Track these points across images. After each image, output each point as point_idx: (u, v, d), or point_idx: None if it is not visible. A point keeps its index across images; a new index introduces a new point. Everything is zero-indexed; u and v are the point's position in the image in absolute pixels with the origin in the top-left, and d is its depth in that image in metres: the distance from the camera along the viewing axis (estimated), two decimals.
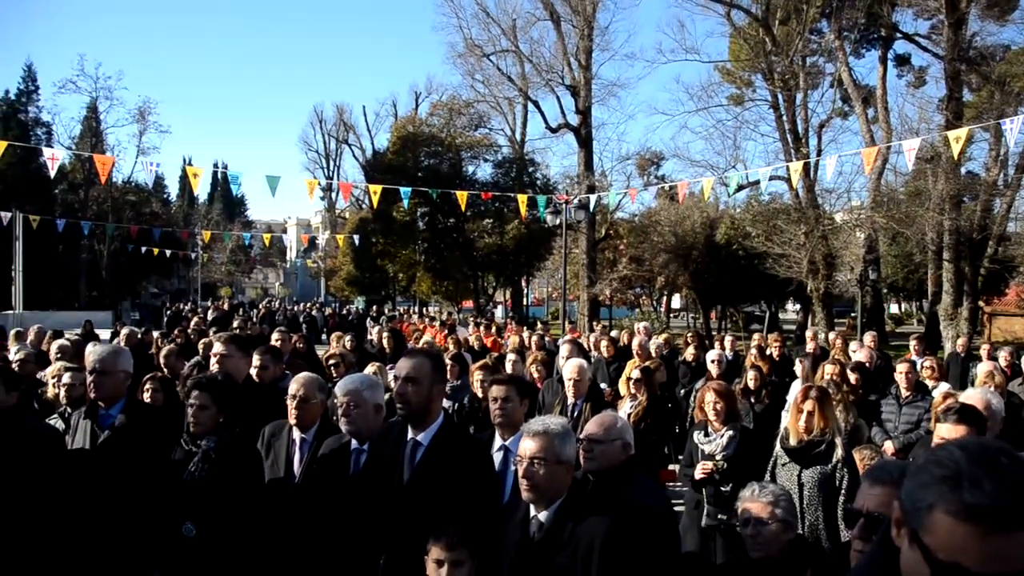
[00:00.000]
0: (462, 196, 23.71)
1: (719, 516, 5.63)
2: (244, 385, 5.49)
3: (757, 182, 22.96)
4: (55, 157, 20.03)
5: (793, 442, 5.24)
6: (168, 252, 46.44)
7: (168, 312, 34.91)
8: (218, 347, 5.71)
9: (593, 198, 25.86)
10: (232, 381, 4.80)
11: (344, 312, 39.97)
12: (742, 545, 3.64)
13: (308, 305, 42.85)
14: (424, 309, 45.97)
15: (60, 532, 4.28)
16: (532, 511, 3.31)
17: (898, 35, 31.10)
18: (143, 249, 43.16)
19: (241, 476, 4.28)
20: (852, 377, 8.20)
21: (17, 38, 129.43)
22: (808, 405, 5.21)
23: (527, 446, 3.30)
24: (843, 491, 4.95)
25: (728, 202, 34.59)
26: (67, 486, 4.36)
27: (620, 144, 66.74)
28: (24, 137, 41.06)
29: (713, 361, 9.73)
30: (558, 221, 25.21)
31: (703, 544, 5.73)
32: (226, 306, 34.02)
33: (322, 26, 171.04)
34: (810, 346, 12.33)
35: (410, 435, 3.76)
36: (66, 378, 5.50)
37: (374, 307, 41.46)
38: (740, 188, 27.33)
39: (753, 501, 3.50)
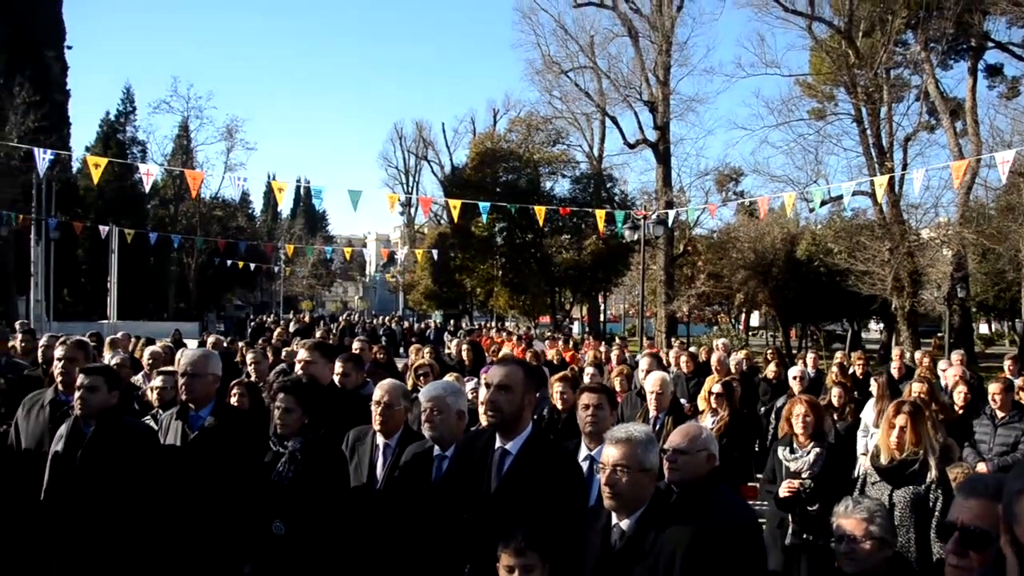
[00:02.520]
0: (540, 211, 23.75)
1: (804, 536, 5.48)
2: (328, 390, 5.60)
3: (840, 197, 22.41)
4: (150, 173, 20.94)
5: (884, 460, 5.02)
6: (252, 265, 47.65)
7: (252, 324, 35.80)
8: (303, 353, 5.84)
9: (672, 213, 25.65)
10: (316, 384, 4.94)
11: (422, 326, 40.41)
12: (828, 565, 3.55)
13: (387, 319, 43.42)
14: (501, 324, 46.13)
15: (153, 523, 4.45)
16: (614, 519, 3.28)
17: (990, 44, 30.07)
18: (228, 262, 44.51)
19: (327, 476, 4.39)
20: (959, 394, 7.91)
21: (119, 63, 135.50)
22: (900, 420, 4.97)
23: (610, 453, 3.28)
24: (937, 512, 4.74)
25: (809, 218, 33.94)
26: (160, 480, 4.53)
27: (699, 160, 66.08)
28: (122, 155, 42.85)
29: (795, 377, 9.52)
30: (636, 236, 25.13)
31: (787, 564, 5.59)
32: (307, 319, 34.72)
33: (402, 45, 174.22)
34: (895, 364, 11.93)
35: (498, 444, 3.70)
36: (157, 381, 5.71)
37: (451, 321, 41.79)
38: (823, 203, 26.74)
39: (847, 517, 3.38)
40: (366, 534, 4.47)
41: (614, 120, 37.77)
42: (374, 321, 41.18)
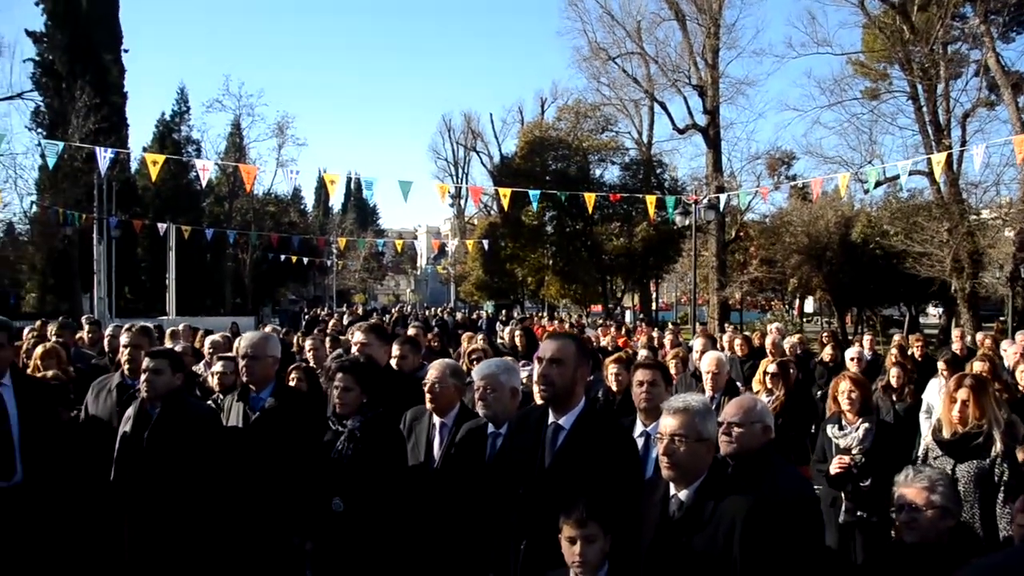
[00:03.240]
0: (590, 198, 23.65)
1: (858, 513, 5.43)
2: (384, 372, 5.67)
3: (896, 177, 21.85)
4: (205, 168, 21.36)
5: (946, 434, 4.94)
6: (305, 260, 48.29)
7: (306, 317, 36.30)
8: (359, 336, 5.93)
9: (723, 198, 25.36)
10: (374, 364, 5.00)
11: (474, 316, 40.52)
12: (884, 541, 3.51)
13: (439, 310, 43.64)
14: (553, 313, 46.11)
15: (217, 500, 4.57)
16: (672, 490, 3.28)
17: None
18: (282, 257, 45.16)
19: (385, 454, 4.46)
20: (1022, 373, 7.72)
21: (174, 64, 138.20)
22: (962, 394, 4.88)
23: (667, 423, 3.27)
24: (1003, 487, 4.66)
25: (864, 200, 33.15)
26: (223, 459, 4.66)
27: (749, 143, 64.85)
28: (177, 154, 43.71)
29: (853, 359, 9.43)
30: (687, 222, 24.93)
31: (842, 542, 5.55)
32: (360, 311, 35.06)
33: (447, 36, 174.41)
34: (957, 345, 11.69)
35: (551, 419, 3.67)
36: (218, 366, 5.85)
37: (503, 311, 41.87)
38: (878, 184, 26.09)
39: (908, 486, 3.33)
40: (424, 512, 4.53)
41: (663, 105, 37.45)
42: (427, 312, 41.41)
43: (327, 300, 60.22)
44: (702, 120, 35.08)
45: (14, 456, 4.65)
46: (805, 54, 30.36)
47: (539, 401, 3.82)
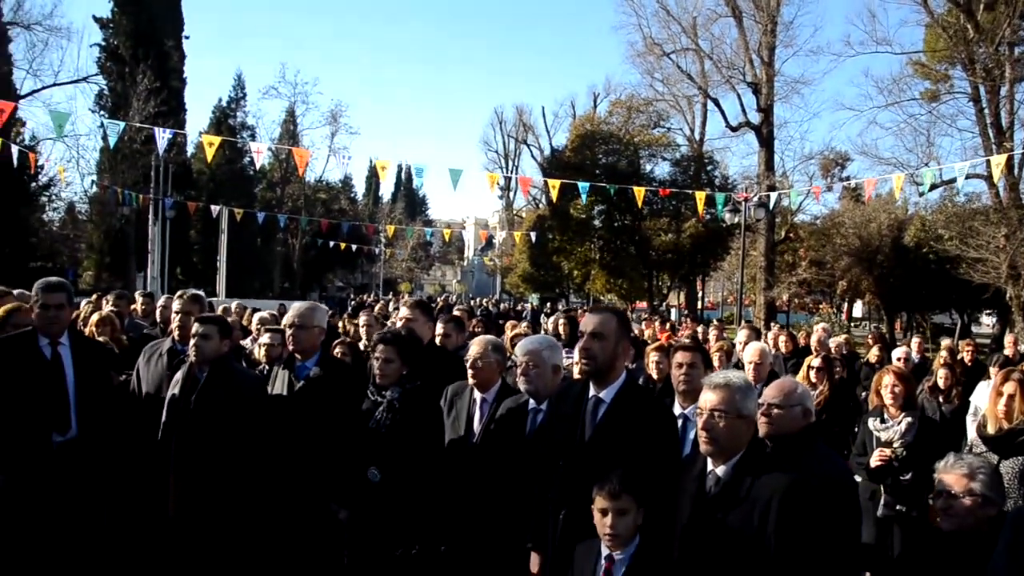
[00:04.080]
0: (639, 192, 23.53)
1: (897, 507, 5.37)
2: (428, 347, 5.75)
3: (953, 180, 21.44)
4: (260, 151, 21.77)
5: (991, 430, 4.85)
6: (354, 247, 48.74)
7: (352, 303, 36.68)
8: (404, 311, 6.03)
9: (774, 197, 25.05)
10: (416, 337, 5.06)
11: (519, 308, 40.61)
12: (922, 536, 3.46)
13: (484, 300, 43.81)
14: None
15: (259, 464, 4.68)
16: (710, 465, 3.28)
17: None
18: (331, 244, 45.70)
19: (422, 426, 4.51)
20: None
21: (232, 51, 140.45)
22: (1009, 388, 4.79)
23: (708, 398, 3.27)
24: None
25: (919, 203, 32.47)
26: (267, 424, 4.78)
27: (802, 143, 64.17)
28: (232, 139, 44.48)
29: (899, 359, 9.29)
30: (736, 220, 24.63)
31: (880, 537, 5.49)
32: (407, 299, 35.27)
33: (501, 30, 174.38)
34: (1009, 351, 11.45)
35: (592, 392, 3.69)
36: (265, 338, 5.96)
37: (548, 304, 41.88)
38: (934, 187, 25.51)
39: (948, 472, 3.28)
40: (462, 484, 4.58)
41: (716, 102, 37.20)
42: (471, 302, 41.59)
43: (373, 288, 60.72)
44: (755, 118, 34.72)
45: (70, 412, 4.83)
46: (863, 52, 29.88)
47: (576, 371, 3.85)
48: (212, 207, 32.91)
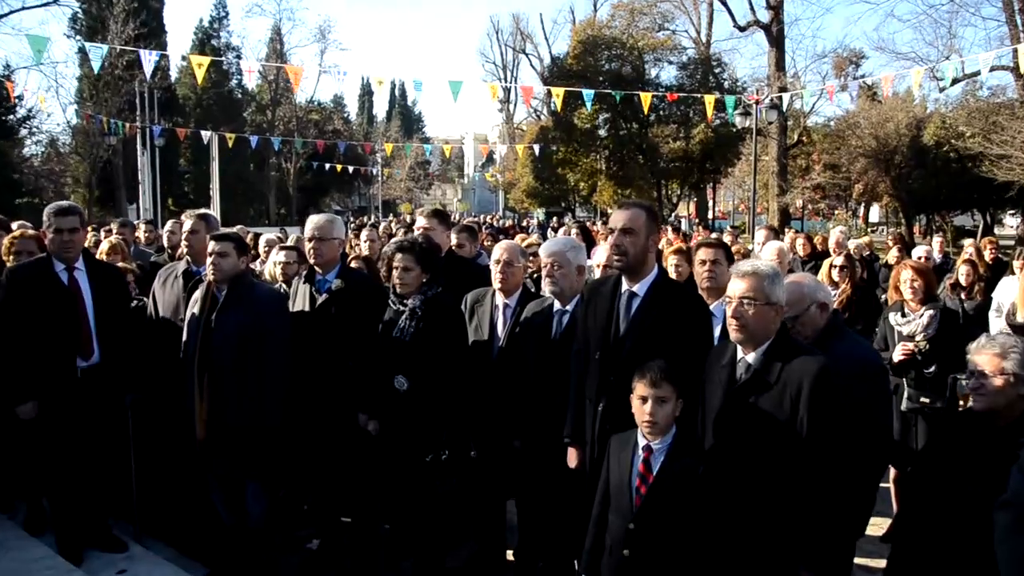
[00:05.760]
0: (645, 98, 23.12)
1: (921, 400, 5.34)
2: (447, 256, 5.72)
3: (976, 73, 20.78)
4: (251, 70, 21.27)
5: (1020, 318, 4.77)
6: (350, 169, 48.26)
7: (352, 225, 36.43)
8: (422, 220, 5.96)
9: (786, 98, 24.51)
10: (433, 244, 5.02)
11: (524, 224, 40.35)
12: (946, 429, 3.39)
13: (488, 217, 43.55)
14: (605, 220, 45.65)
15: (287, 379, 4.65)
16: (739, 353, 3.28)
17: None
18: (327, 167, 45.15)
19: (447, 331, 4.50)
20: None
21: None
22: None
23: (736, 286, 3.25)
24: None
25: (939, 99, 31.60)
26: (291, 337, 4.73)
27: (815, 42, 62.47)
28: (217, 62, 43.52)
29: (920, 258, 9.15)
30: (747, 124, 24.13)
31: (903, 431, 5.47)
32: (408, 219, 35.08)
33: None
34: None
35: (625, 287, 3.77)
36: (280, 256, 5.85)
37: (554, 218, 41.65)
38: (955, 81, 24.72)
39: (979, 352, 3.18)
40: (491, 389, 4.58)
41: (723, 1, 36.04)
42: (475, 220, 41.31)
43: (372, 210, 60.18)
44: (765, 16, 33.70)
45: (91, 337, 4.79)
46: None
47: (599, 271, 3.84)
48: (202, 133, 31.95)
